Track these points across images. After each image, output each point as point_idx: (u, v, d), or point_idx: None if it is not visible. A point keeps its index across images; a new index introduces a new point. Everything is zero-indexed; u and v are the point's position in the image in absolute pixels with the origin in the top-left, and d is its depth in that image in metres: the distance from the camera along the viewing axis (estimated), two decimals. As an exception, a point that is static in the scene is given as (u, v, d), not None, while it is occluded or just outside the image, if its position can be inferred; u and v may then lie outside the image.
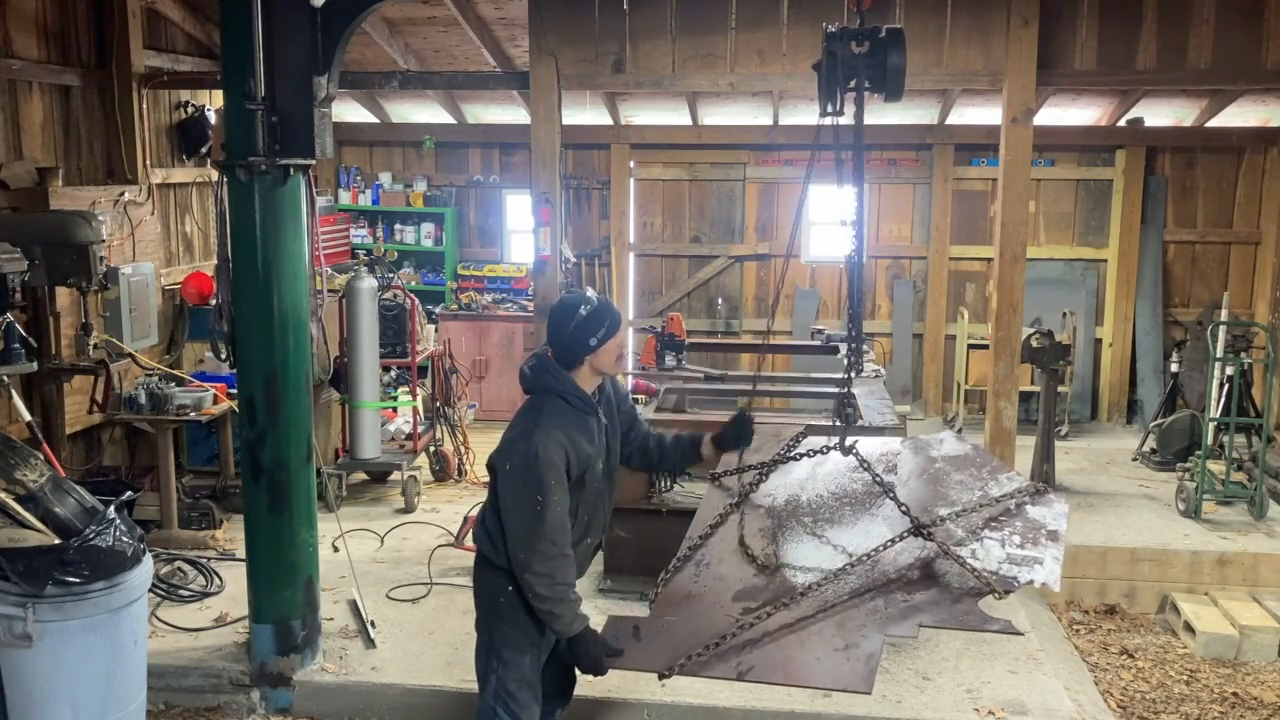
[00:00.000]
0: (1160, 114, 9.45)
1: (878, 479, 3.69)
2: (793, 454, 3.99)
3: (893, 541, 3.54)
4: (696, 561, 3.73)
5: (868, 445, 4.06)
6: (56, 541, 3.98)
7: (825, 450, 3.91)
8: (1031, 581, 3.35)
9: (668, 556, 4.35)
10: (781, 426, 4.34)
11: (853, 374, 3.96)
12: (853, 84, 3.59)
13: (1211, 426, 7.88)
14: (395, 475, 7.62)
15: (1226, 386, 7.82)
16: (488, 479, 3.72)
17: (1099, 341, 10.04)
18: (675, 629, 3.43)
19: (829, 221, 10.06)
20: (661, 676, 3.32)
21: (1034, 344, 7.92)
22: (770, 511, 3.90)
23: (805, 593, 3.41)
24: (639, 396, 6.34)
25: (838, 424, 3.99)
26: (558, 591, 3.46)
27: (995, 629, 3.28)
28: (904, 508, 3.58)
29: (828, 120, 3.66)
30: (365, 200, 10.55)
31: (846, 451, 3.85)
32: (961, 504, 3.72)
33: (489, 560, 3.67)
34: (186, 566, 6.08)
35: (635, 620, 3.56)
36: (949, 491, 3.81)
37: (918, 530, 3.53)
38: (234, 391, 5.77)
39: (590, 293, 3.67)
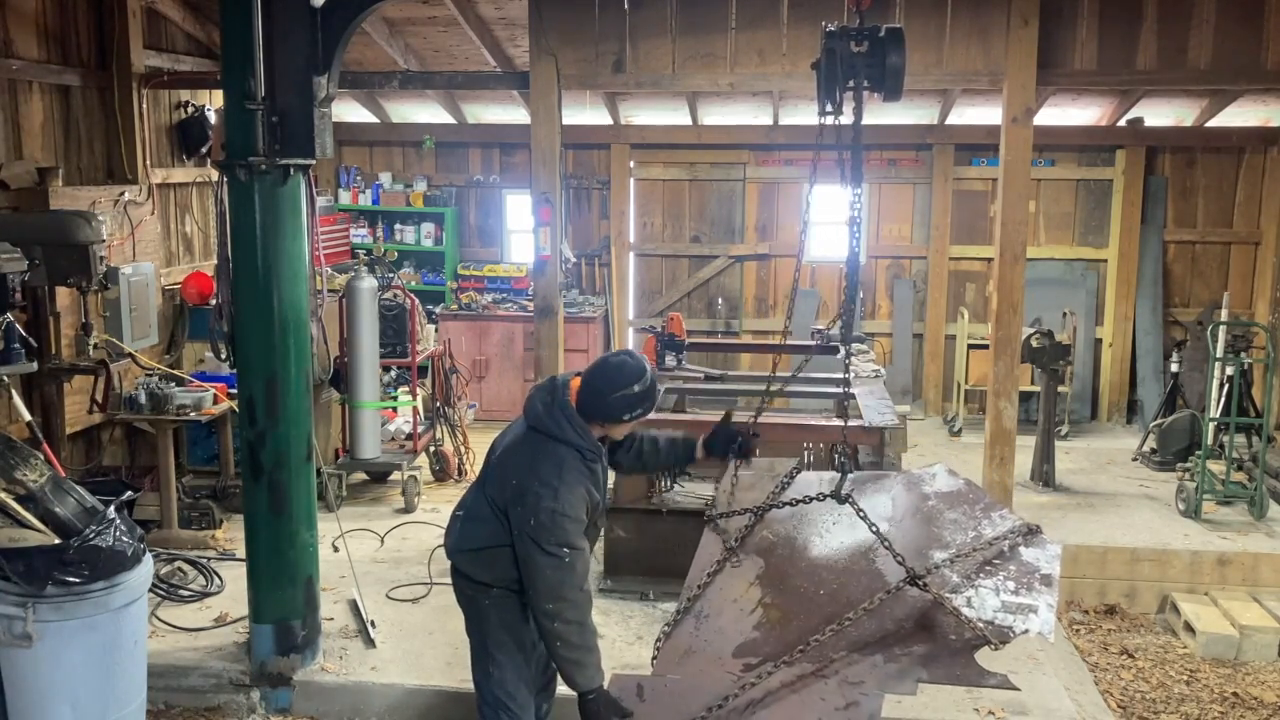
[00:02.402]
0: (1160, 114, 9.45)
1: (874, 529, 3.70)
2: (788, 499, 4.02)
3: (889, 593, 3.57)
4: (696, 614, 3.72)
5: (861, 480, 4.08)
6: (56, 541, 3.98)
7: (821, 498, 3.94)
8: (1026, 631, 3.37)
9: (667, 556, 4.35)
10: (775, 461, 4.38)
11: (848, 426, 3.98)
12: (852, 83, 3.59)
13: (1211, 426, 7.89)
14: (395, 475, 7.61)
15: (1226, 386, 7.82)
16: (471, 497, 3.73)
17: (1099, 341, 10.04)
18: (678, 689, 3.42)
19: (829, 221, 10.05)
20: None
21: (1034, 344, 7.92)
22: (767, 556, 3.92)
23: (804, 649, 3.40)
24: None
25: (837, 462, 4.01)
26: (588, 640, 3.50)
27: (992, 684, 3.27)
28: (899, 558, 3.59)
29: (830, 120, 3.65)
30: (365, 200, 10.55)
31: (843, 500, 3.85)
32: (955, 546, 3.73)
33: (466, 575, 3.70)
34: (186, 566, 6.08)
35: (639, 679, 3.57)
36: (942, 532, 3.83)
37: (913, 581, 3.56)
38: (234, 391, 5.77)
39: (649, 367, 3.61)
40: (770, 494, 4.05)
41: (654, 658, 3.63)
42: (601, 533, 3.87)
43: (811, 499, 3.97)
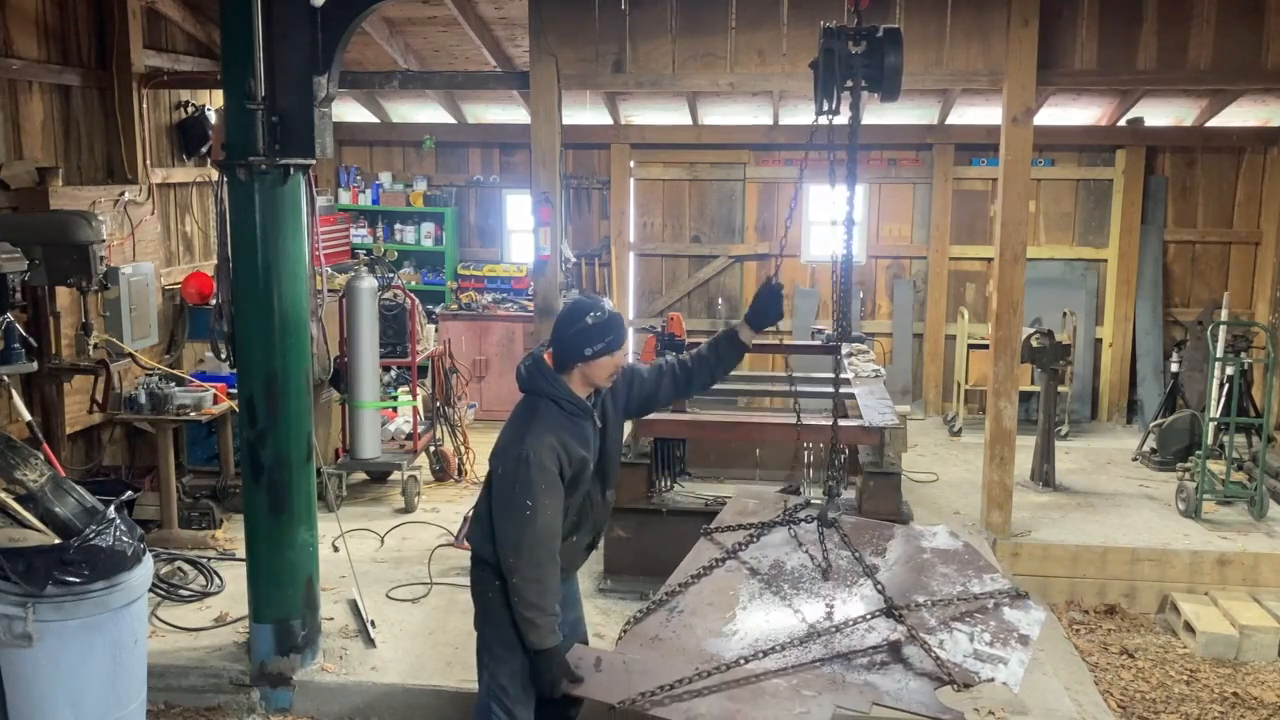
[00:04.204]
0: (1160, 114, 9.45)
1: (858, 555, 3.74)
2: (779, 520, 4.07)
3: (864, 618, 3.61)
4: (671, 608, 3.80)
5: (860, 524, 4.14)
6: (56, 541, 3.98)
7: (809, 519, 4.00)
8: (992, 680, 3.37)
9: (667, 556, 4.38)
10: (785, 497, 4.48)
11: (841, 467, 4.04)
12: (849, 83, 3.59)
13: (1211, 426, 7.88)
14: (395, 475, 7.62)
15: (1226, 386, 7.82)
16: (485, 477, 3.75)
17: (1099, 341, 10.04)
18: (636, 667, 3.49)
19: (828, 221, 10.04)
20: (611, 709, 3.39)
21: (1034, 344, 7.92)
22: (754, 572, 3.98)
23: (769, 653, 3.45)
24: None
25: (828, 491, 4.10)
26: (545, 600, 3.49)
27: (948, 718, 3.28)
28: (879, 586, 3.65)
29: (825, 120, 3.65)
30: (365, 200, 10.56)
31: (829, 524, 3.91)
32: (941, 595, 3.76)
33: (481, 558, 3.71)
34: (186, 566, 6.08)
35: (599, 652, 3.64)
36: (931, 582, 3.87)
37: (890, 611, 3.59)
38: (234, 391, 5.77)
39: (606, 303, 3.64)
40: (772, 519, 4.12)
41: (619, 638, 3.69)
42: (602, 504, 3.86)
43: (799, 519, 4.05)
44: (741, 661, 3.42)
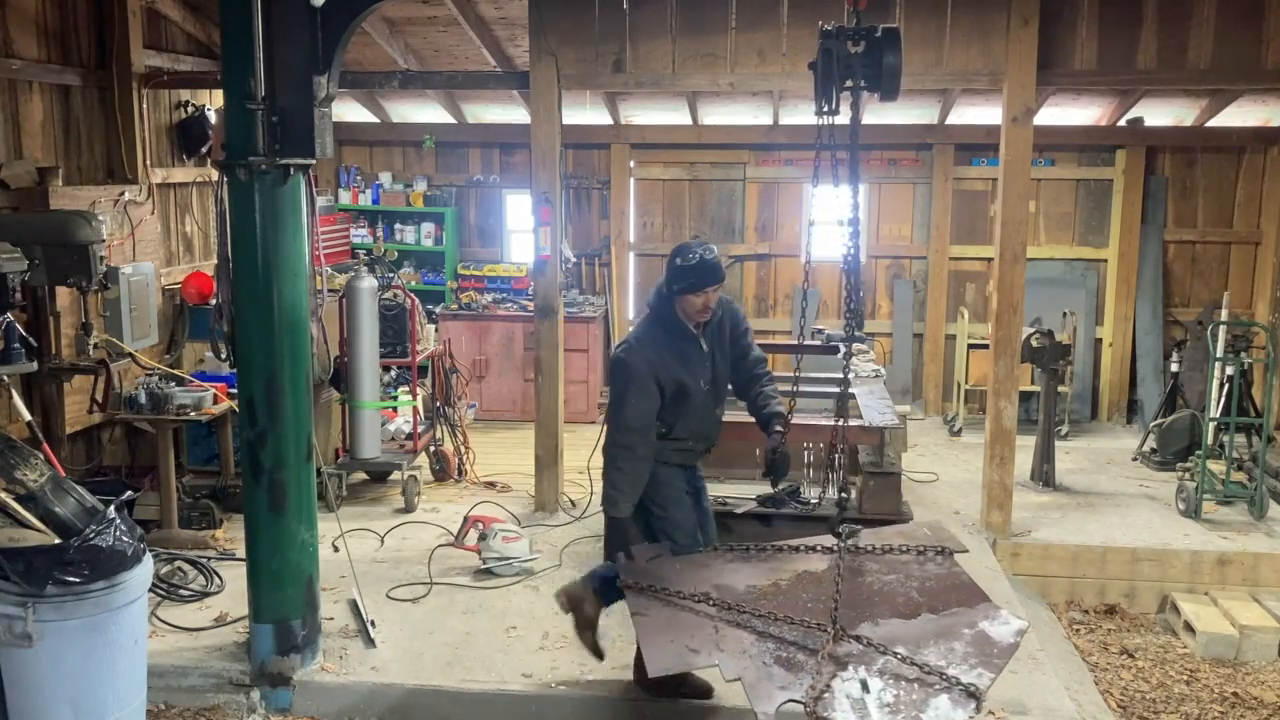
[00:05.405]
0: (1160, 114, 9.45)
1: (839, 567, 3.91)
2: (917, 546, 4.40)
3: (815, 625, 3.83)
4: (745, 557, 4.35)
5: (960, 585, 4.19)
6: (56, 541, 3.98)
7: (834, 532, 4.17)
8: None
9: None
10: (939, 522, 4.79)
11: (847, 488, 4.16)
12: (849, 84, 3.59)
13: (1211, 426, 7.88)
14: (395, 475, 7.61)
15: (1226, 386, 7.82)
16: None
17: (1099, 341, 10.04)
18: (669, 573, 4.19)
19: (829, 221, 10.05)
20: (617, 582, 4.24)
21: (1034, 344, 7.92)
22: (836, 569, 4.09)
23: (732, 608, 3.93)
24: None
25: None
26: (619, 479, 4.28)
27: None
28: (835, 613, 3.79)
29: (829, 120, 3.66)
30: (365, 200, 10.56)
31: (839, 536, 4.14)
32: (916, 657, 3.71)
33: None
34: (186, 566, 6.08)
35: (664, 553, 4.35)
36: (929, 646, 3.81)
37: (832, 627, 3.78)
38: (234, 391, 5.77)
39: (701, 251, 4.29)
40: (904, 545, 4.38)
41: (691, 551, 4.39)
42: (713, 417, 4.54)
43: (815, 548, 4.40)
44: (710, 603, 3.94)
